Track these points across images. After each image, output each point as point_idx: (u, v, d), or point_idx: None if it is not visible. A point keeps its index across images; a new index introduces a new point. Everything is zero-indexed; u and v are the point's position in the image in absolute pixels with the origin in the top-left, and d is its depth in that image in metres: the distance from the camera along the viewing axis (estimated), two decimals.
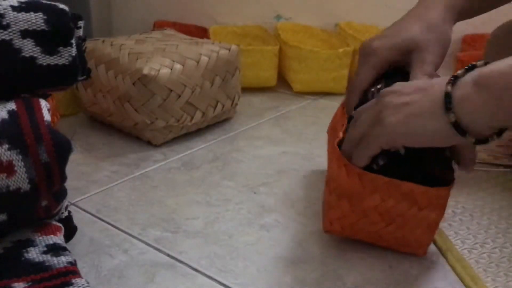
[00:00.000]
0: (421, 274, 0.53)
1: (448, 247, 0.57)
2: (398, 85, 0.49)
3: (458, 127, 0.43)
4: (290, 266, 0.53)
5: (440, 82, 0.46)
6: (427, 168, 0.51)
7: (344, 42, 1.12)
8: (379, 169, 0.50)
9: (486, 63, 0.44)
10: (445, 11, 0.60)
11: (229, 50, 0.85)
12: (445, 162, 0.52)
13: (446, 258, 0.55)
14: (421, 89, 0.47)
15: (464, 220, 0.62)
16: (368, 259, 0.55)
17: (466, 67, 0.45)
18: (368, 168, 0.50)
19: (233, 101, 0.88)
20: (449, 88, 0.44)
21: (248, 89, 1.04)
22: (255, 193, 0.67)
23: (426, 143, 0.47)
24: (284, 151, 0.80)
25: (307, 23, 1.25)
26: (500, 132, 0.44)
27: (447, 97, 0.43)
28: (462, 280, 0.52)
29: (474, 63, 0.45)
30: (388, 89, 0.50)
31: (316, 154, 0.78)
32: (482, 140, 0.44)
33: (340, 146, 0.52)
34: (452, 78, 0.44)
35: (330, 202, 0.53)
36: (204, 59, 0.80)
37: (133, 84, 0.76)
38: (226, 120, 0.91)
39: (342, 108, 0.64)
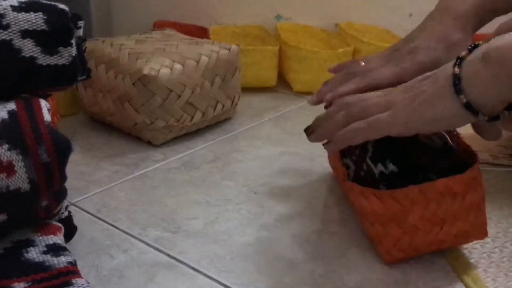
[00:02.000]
0: (421, 274, 0.53)
1: None
2: (403, 85, 0.50)
3: (470, 107, 0.43)
4: (290, 266, 0.53)
5: (444, 68, 0.46)
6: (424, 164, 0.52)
7: (344, 42, 1.12)
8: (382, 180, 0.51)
9: (488, 41, 0.44)
10: (465, 25, 0.61)
11: (229, 50, 0.85)
12: (432, 151, 0.52)
13: (446, 258, 0.55)
14: (426, 77, 0.47)
15: None
16: (368, 259, 0.54)
17: (469, 48, 0.44)
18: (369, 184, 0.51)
19: (233, 101, 0.88)
20: (456, 69, 0.43)
21: (248, 89, 1.04)
22: (255, 193, 0.67)
23: (440, 128, 0.47)
24: (284, 151, 0.80)
25: (307, 23, 1.25)
26: (510, 107, 0.44)
27: (456, 78, 0.43)
28: (462, 280, 0.52)
29: (476, 42, 0.44)
30: (394, 88, 0.50)
31: (316, 154, 0.78)
32: (495, 117, 0.44)
33: (354, 180, 0.53)
34: (457, 60, 0.44)
35: (378, 234, 0.52)
36: (204, 59, 0.80)
37: (133, 84, 0.76)
38: (226, 120, 0.91)
39: None
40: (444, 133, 0.56)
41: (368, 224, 0.53)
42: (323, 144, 0.54)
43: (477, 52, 0.43)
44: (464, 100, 0.43)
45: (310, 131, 0.56)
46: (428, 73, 0.48)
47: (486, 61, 0.42)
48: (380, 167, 0.52)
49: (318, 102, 0.64)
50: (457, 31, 0.62)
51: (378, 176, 0.51)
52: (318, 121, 0.56)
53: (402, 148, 0.56)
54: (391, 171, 0.51)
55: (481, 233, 0.54)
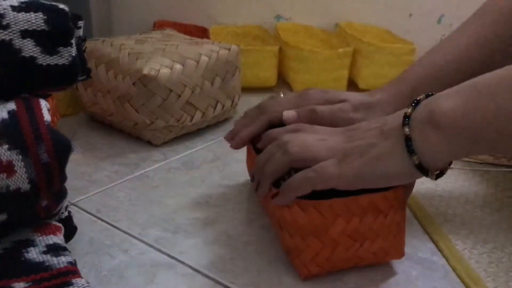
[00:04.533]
0: (421, 274, 0.53)
1: (449, 247, 0.57)
2: (341, 129, 0.51)
3: (421, 168, 0.45)
4: (290, 266, 0.53)
5: (391, 121, 0.47)
6: None
7: (344, 42, 1.12)
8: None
9: (427, 96, 0.46)
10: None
11: (229, 50, 0.85)
12: None
13: (446, 258, 0.55)
14: (369, 128, 0.49)
15: (464, 220, 0.62)
16: None
17: (412, 104, 0.46)
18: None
19: (233, 101, 0.88)
20: (406, 130, 0.45)
21: (248, 89, 1.04)
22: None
23: (389, 183, 0.48)
24: None
25: (307, 23, 1.25)
26: (450, 163, 0.48)
27: (408, 140, 0.45)
28: (462, 280, 0.52)
29: (418, 98, 0.47)
30: (331, 131, 0.52)
31: None
32: (440, 174, 0.47)
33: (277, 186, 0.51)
34: (405, 119, 0.46)
35: (297, 247, 0.50)
36: (204, 59, 0.80)
37: (133, 84, 0.76)
38: (226, 120, 0.91)
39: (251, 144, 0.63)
40: None
41: (287, 235, 0.51)
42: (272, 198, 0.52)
43: (422, 111, 0.45)
44: (417, 162, 0.45)
45: (257, 186, 0.54)
46: (370, 123, 0.49)
47: (435, 126, 0.44)
48: None
49: None
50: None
51: None
52: (260, 165, 0.53)
53: None
54: None
55: (399, 253, 0.53)
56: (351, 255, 0.50)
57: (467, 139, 0.43)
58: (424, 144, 0.44)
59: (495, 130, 0.42)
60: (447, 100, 0.44)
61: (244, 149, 0.83)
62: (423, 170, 0.45)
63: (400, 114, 0.47)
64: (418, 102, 0.46)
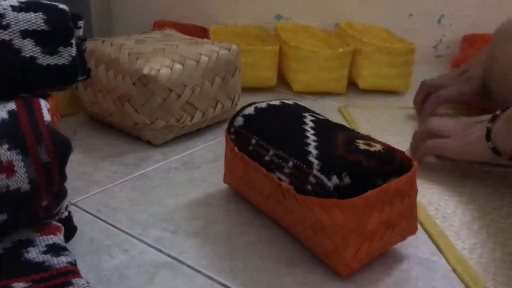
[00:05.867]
0: (421, 274, 0.53)
1: (448, 247, 0.57)
2: (465, 121, 0.73)
3: (496, 151, 0.66)
4: (290, 266, 0.53)
5: (486, 119, 0.68)
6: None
7: (344, 42, 1.12)
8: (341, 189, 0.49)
9: None
10: None
11: (229, 50, 0.85)
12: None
13: (446, 258, 0.55)
14: (479, 121, 0.70)
15: (464, 220, 0.62)
16: None
17: (503, 108, 0.67)
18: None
19: (233, 101, 0.88)
20: (489, 125, 0.67)
21: (248, 89, 1.04)
22: None
23: (479, 159, 0.70)
24: None
25: (307, 23, 1.26)
26: None
27: (488, 131, 0.66)
28: (462, 280, 0.52)
29: (508, 105, 0.67)
30: (460, 119, 0.74)
31: None
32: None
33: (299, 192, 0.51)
34: (492, 118, 0.67)
35: (337, 247, 0.50)
36: (204, 59, 0.81)
37: (133, 84, 0.76)
38: (226, 120, 0.91)
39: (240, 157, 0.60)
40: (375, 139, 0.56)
41: (324, 238, 0.50)
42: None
43: (505, 113, 0.65)
44: (491, 146, 0.66)
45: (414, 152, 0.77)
46: (481, 119, 0.70)
47: (506, 121, 0.65)
48: (335, 180, 0.49)
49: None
50: None
51: (333, 189, 0.49)
52: (415, 137, 0.78)
53: (347, 160, 0.52)
54: (345, 184, 0.50)
55: (414, 230, 0.55)
56: (384, 242, 0.52)
57: None
58: (498, 134, 0.65)
59: None
60: None
61: None
62: (497, 152, 0.66)
63: (492, 114, 0.67)
64: (508, 107, 0.65)
